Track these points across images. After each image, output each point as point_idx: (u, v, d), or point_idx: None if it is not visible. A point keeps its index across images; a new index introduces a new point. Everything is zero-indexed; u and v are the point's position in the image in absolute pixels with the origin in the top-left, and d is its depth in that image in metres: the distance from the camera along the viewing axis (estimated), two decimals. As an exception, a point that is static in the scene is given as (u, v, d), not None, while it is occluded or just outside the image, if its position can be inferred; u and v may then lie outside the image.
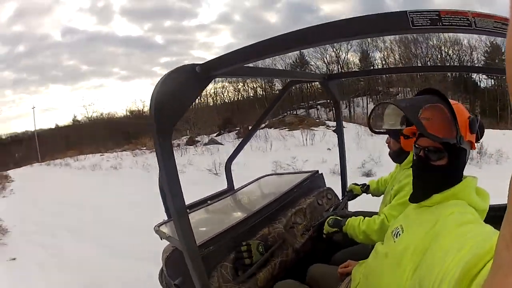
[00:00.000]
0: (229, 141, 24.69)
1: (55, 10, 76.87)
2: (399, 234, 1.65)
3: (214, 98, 48.72)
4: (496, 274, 0.50)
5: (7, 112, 72.59)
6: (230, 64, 1.58)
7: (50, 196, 13.47)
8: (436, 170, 1.60)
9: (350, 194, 3.53)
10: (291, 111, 39.21)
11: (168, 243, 2.82)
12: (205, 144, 23.72)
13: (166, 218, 3.29)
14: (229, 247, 2.62)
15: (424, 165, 1.64)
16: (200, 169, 14.43)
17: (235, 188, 4.24)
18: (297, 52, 42.11)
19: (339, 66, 41.20)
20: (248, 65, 2.01)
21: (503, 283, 0.47)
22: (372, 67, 37.68)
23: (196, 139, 25.61)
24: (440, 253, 1.22)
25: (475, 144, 1.65)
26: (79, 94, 79.09)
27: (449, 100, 1.59)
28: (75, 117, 55.23)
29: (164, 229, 2.98)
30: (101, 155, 26.92)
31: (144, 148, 24.99)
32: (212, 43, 63.07)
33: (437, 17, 1.13)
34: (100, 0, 72.07)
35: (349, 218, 2.66)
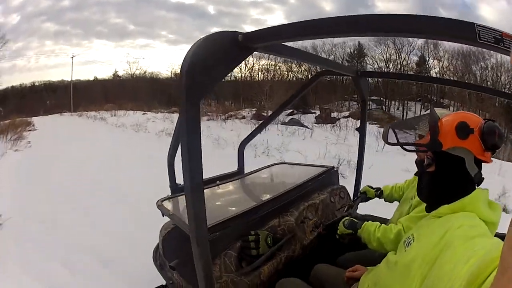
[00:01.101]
0: (309, 125, 22.50)
1: None
2: (410, 244, 1.65)
3: (287, 74, 48.09)
4: (501, 278, 0.53)
5: (45, 61, 73.35)
6: (276, 38, 1.52)
7: (71, 157, 12.01)
8: (428, 176, 1.68)
9: (363, 196, 3.48)
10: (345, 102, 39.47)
11: (168, 219, 2.78)
12: (284, 124, 20.91)
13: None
14: (236, 235, 2.53)
15: (421, 172, 1.76)
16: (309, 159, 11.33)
17: (245, 172, 4.26)
18: (356, 43, 42.14)
19: (396, 64, 40.95)
20: (288, 44, 1.99)
21: (507, 287, 0.50)
22: (425, 74, 37.46)
23: (263, 114, 23.84)
24: (449, 265, 1.24)
25: (487, 152, 1.60)
26: (123, 51, 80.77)
27: (459, 111, 1.74)
28: (116, 72, 55.64)
29: (168, 205, 2.92)
30: (143, 113, 26.40)
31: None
32: (265, 21, 62.35)
33: (500, 37, 1.12)
34: None
35: (365, 222, 2.61)
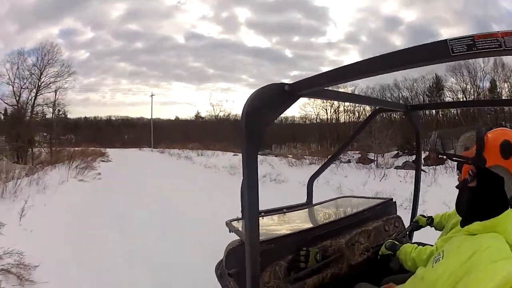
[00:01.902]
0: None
1: (176, 15, 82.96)
2: (439, 260, 1.69)
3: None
4: None
5: (121, 98, 76.60)
6: (315, 85, 1.81)
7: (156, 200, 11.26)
8: (468, 191, 1.72)
9: (414, 224, 3.68)
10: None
11: (234, 239, 3.08)
12: (398, 167, 18.76)
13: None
14: (289, 249, 2.85)
15: (463, 186, 1.79)
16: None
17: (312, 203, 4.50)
18: (435, 77, 41.33)
19: (472, 93, 39.58)
20: (334, 89, 2.27)
21: None
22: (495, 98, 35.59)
23: (369, 157, 22.79)
24: (473, 286, 1.31)
25: None
26: (204, 94, 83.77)
27: (504, 128, 1.74)
28: (198, 113, 57.30)
29: (235, 224, 3.30)
30: (234, 155, 25.42)
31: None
32: (342, 62, 62.14)
33: (471, 42, 1.20)
34: (224, 11, 76.14)
35: (404, 245, 2.80)
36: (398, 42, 54.17)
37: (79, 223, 8.48)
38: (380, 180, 14.45)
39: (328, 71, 1.69)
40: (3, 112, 32.02)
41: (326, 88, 2.18)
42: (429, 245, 2.95)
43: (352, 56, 57.60)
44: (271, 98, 1.82)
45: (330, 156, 4.63)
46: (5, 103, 30.59)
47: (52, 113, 33.67)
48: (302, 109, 48.99)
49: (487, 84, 38.25)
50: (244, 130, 1.77)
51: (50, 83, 32.13)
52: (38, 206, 9.10)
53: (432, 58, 1.30)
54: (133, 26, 71.83)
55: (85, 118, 53.32)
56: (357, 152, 26.26)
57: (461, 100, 29.29)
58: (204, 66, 76.01)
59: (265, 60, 78.61)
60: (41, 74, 31.69)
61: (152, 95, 50.45)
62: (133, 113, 68.45)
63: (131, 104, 74.41)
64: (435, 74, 40.58)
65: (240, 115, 1.81)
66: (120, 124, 56.10)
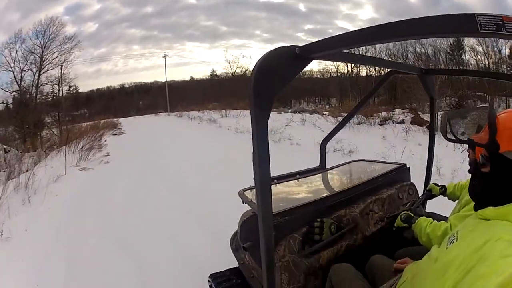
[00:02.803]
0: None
1: None
2: (453, 242, 1.66)
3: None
4: None
5: (134, 64, 77.20)
6: (328, 48, 1.72)
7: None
8: (482, 176, 1.63)
9: (428, 193, 3.59)
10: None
11: (248, 208, 3.11)
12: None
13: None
14: (303, 221, 2.84)
15: (475, 171, 1.73)
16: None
17: (326, 168, 4.50)
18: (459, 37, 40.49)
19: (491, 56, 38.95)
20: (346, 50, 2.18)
21: None
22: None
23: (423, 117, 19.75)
24: (482, 280, 1.27)
25: None
26: (218, 52, 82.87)
27: (510, 109, 1.65)
28: (213, 71, 55.77)
29: (248, 194, 3.27)
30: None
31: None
32: (356, 16, 60.71)
33: (501, 22, 1.17)
34: None
35: (420, 218, 2.77)
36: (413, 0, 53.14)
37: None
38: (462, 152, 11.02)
39: (342, 34, 1.62)
40: (11, 102, 30.17)
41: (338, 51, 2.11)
42: (443, 217, 2.99)
43: (366, 11, 57.35)
44: (282, 62, 1.76)
45: (343, 118, 4.59)
46: (5, 91, 28.96)
47: (59, 90, 32.46)
48: (322, 62, 48.28)
49: (506, 51, 37.57)
50: (252, 96, 1.73)
51: (53, 59, 30.76)
52: (16, 235, 6.14)
53: (458, 31, 1.29)
54: None
55: (98, 89, 52.64)
56: (406, 110, 24.12)
57: (479, 68, 29.96)
58: (216, 24, 74.37)
59: (279, 14, 76.88)
60: (43, 51, 30.21)
61: (165, 56, 49.16)
62: (147, 77, 68.79)
63: (145, 69, 74.88)
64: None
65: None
66: (134, 91, 55.42)
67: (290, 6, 68.02)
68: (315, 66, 51.19)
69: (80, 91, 45.80)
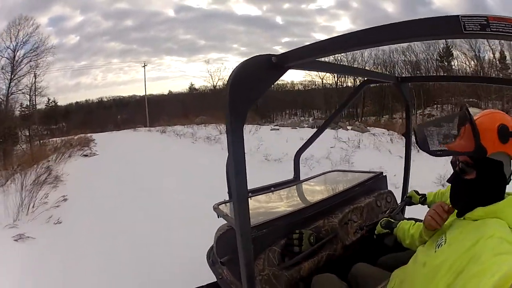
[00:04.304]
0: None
1: None
2: (441, 245, 1.67)
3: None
4: None
5: (113, 78, 75.21)
6: (304, 56, 1.69)
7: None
8: (466, 184, 1.64)
9: (408, 200, 3.56)
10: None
11: (223, 223, 3.05)
12: None
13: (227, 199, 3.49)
14: (281, 233, 2.80)
15: (457, 180, 1.70)
16: None
17: (300, 179, 4.47)
18: (445, 43, 40.60)
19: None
20: (322, 60, 2.21)
21: None
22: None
23: None
24: (476, 279, 1.28)
25: None
26: (196, 66, 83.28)
27: (489, 110, 1.67)
28: (192, 84, 54.72)
29: (223, 208, 3.22)
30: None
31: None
32: (333, 28, 61.10)
33: (485, 22, 1.17)
34: None
35: (401, 221, 2.72)
36: (390, 8, 54.33)
37: None
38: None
39: (320, 41, 1.60)
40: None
41: (315, 59, 2.07)
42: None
43: (343, 22, 57.84)
44: (258, 71, 1.73)
45: (316, 129, 4.56)
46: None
47: (29, 100, 30.09)
48: (307, 74, 47.89)
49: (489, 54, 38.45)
50: (228, 105, 1.70)
51: (26, 63, 28.48)
52: None
53: (442, 33, 1.27)
54: (122, 4, 70.22)
55: (76, 103, 51.87)
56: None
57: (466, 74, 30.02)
58: (195, 38, 74.46)
59: (257, 28, 77.59)
60: (15, 54, 28.02)
61: (144, 65, 48.12)
62: (125, 91, 68.48)
63: (123, 83, 73.95)
64: (445, 41, 40.57)
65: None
66: (112, 105, 54.73)
67: (268, 19, 68.82)
68: (298, 77, 51.54)
69: (59, 104, 45.40)
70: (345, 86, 45.70)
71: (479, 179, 1.61)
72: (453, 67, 39.91)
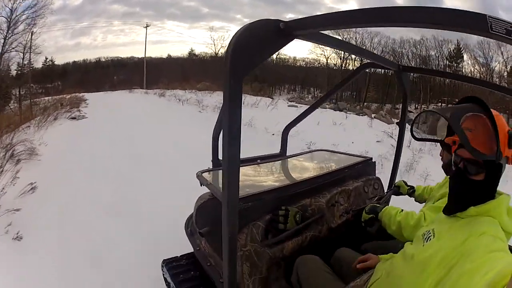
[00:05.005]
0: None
1: None
2: (430, 239, 1.68)
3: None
4: None
5: (113, 39, 74.52)
6: (315, 26, 1.65)
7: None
8: (473, 185, 1.59)
9: (395, 189, 3.56)
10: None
11: (205, 191, 2.96)
12: None
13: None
14: (267, 208, 2.71)
15: (462, 179, 1.63)
16: None
17: (287, 155, 4.43)
18: (457, 44, 40.85)
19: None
20: (331, 35, 2.10)
21: None
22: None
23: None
24: (466, 277, 1.29)
25: None
26: (197, 33, 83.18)
27: (494, 112, 1.60)
28: (192, 50, 55.13)
29: (207, 176, 3.11)
30: (269, 98, 21.48)
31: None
32: (339, 9, 62.65)
33: (511, 29, 1.18)
34: None
35: (387, 206, 2.71)
36: None
37: None
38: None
39: (334, 12, 1.54)
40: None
41: (322, 32, 2.03)
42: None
43: (350, 6, 57.31)
44: (263, 36, 1.66)
45: (310, 105, 4.54)
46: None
47: (22, 59, 28.41)
48: (312, 51, 48.08)
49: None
50: (228, 69, 1.61)
51: (23, 21, 26.49)
52: None
53: (467, 27, 1.24)
54: None
55: (74, 62, 51.41)
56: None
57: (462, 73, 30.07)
58: (199, 5, 72.37)
59: (262, 1, 75.86)
60: (12, 12, 25.74)
61: (146, 26, 47.51)
62: (124, 53, 67.71)
63: (123, 45, 73.27)
64: (457, 40, 40.40)
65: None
66: (110, 65, 54.38)
67: None
68: (301, 53, 51.13)
69: (56, 63, 45.09)
70: (350, 68, 45.47)
71: (486, 181, 1.59)
72: (460, 70, 40.31)
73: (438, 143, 2.73)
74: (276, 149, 4.44)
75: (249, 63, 1.66)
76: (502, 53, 36.85)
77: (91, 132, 11.09)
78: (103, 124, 12.17)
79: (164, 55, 56.18)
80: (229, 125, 1.67)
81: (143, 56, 48.41)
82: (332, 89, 4.29)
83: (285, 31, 1.67)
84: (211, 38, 57.44)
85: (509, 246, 1.51)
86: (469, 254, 1.38)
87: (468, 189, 1.61)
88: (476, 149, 1.46)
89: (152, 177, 7.22)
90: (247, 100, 18.95)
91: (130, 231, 5.10)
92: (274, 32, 1.67)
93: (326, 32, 2.06)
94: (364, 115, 21.44)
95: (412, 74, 3.97)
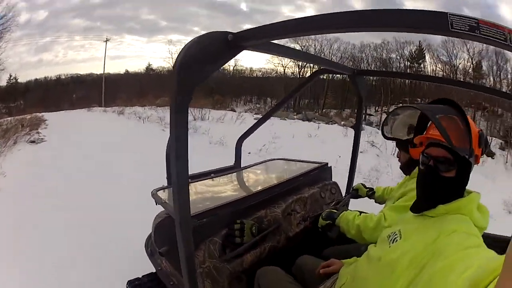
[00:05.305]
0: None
1: None
2: (396, 240, 1.67)
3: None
4: (507, 276, 0.57)
5: (73, 55, 74.74)
6: (262, 37, 1.64)
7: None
8: (444, 181, 1.60)
9: (354, 193, 3.59)
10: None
11: (162, 209, 2.92)
12: None
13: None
14: (222, 223, 2.68)
15: (433, 176, 1.63)
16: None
17: (241, 166, 4.40)
18: (419, 45, 41.32)
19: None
20: (279, 43, 2.13)
21: None
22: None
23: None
24: (441, 275, 1.26)
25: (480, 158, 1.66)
26: (155, 47, 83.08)
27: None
28: (149, 64, 53.80)
29: (161, 194, 3.08)
30: (231, 111, 21.09)
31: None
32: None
33: (475, 25, 1.17)
34: None
35: (344, 211, 2.70)
36: (357, 4, 54.91)
37: None
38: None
39: (279, 22, 1.55)
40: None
41: (272, 41, 2.01)
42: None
43: (307, 14, 58.44)
44: (211, 48, 1.66)
45: (262, 115, 4.53)
46: None
47: None
48: (269, 60, 48.17)
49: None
50: (176, 82, 1.61)
51: None
52: None
53: (427, 27, 1.24)
54: None
55: (36, 79, 50.57)
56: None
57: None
58: (157, 18, 73.34)
59: (220, 12, 77.12)
60: None
61: (106, 40, 46.77)
62: (84, 69, 67.31)
63: (82, 61, 72.02)
64: (419, 42, 41.04)
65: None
66: (69, 82, 53.46)
67: (233, 5, 68.19)
68: (258, 64, 51.44)
69: (20, 81, 44.73)
70: (308, 76, 46.29)
71: (458, 178, 1.61)
72: (422, 70, 41.14)
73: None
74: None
75: (198, 76, 1.66)
76: (468, 50, 37.91)
77: (50, 158, 10.07)
78: (62, 149, 11.10)
79: (122, 71, 55.63)
80: (176, 140, 1.67)
81: (102, 72, 47.71)
82: (285, 96, 4.27)
83: (233, 43, 1.67)
84: (169, 51, 56.77)
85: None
86: (440, 253, 1.38)
87: (439, 186, 1.63)
88: (451, 140, 1.48)
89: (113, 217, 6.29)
90: (212, 114, 18.76)
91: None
92: (223, 44, 1.67)
93: (279, 41, 2.06)
94: (334, 123, 21.44)
95: (373, 77, 4.03)
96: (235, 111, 25.23)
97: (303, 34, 1.62)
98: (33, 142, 12.05)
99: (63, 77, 53.42)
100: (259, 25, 1.66)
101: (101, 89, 43.41)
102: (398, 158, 2.88)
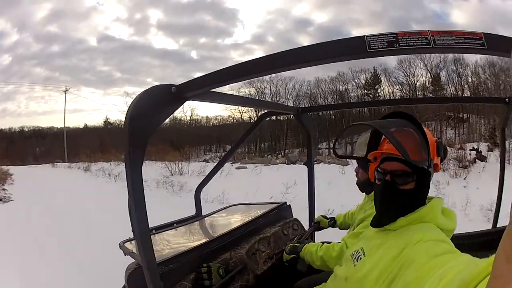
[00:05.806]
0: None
1: (93, 16, 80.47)
2: (360, 258, 1.67)
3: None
4: (495, 284, 0.55)
5: (35, 107, 74.52)
6: (204, 86, 1.70)
7: None
8: (404, 194, 1.60)
9: (316, 225, 3.69)
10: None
11: (132, 261, 2.87)
12: None
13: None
14: (189, 268, 2.69)
15: (391, 190, 1.62)
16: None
17: (203, 215, 4.40)
18: (373, 70, 42.49)
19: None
20: (222, 90, 2.19)
21: None
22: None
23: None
24: (416, 284, 1.25)
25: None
26: (111, 99, 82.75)
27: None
28: (107, 118, 54.46)
29: (129, 245, 3.08)
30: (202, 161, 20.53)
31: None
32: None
33: (394, 39, 1.21)
34: (138, 12, 74.26)
35: (306, 244, 2.75)
36: (305, 42, 56.17)
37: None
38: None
39: (218, 70, 1.61)
40: None
41: (215, 90, 2.05)
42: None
43: (257, 56, 60.06)
44: (158, 101, 1.70)
45: (216, 163, 4.58)
46: None
47: None
48: (225, 108, 48.69)
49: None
50: (128, 135, 1.63)
51: None
52: None
53: (347, 53, 1.28)
54: (53, 28, 69.78)
55: (1, 130, 51.53)
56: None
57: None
58: (112, 70, 76.51)
59: (171, 62, 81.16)
60: None
61: (66, 90, 46.72)
62: (45, 122, 66.74)
63: (43, 113, 72.01)
64: (373, 68, 42.33)
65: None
66: (32, 135, 53.59)
67: (184, 54, 72.19)
68: (214, 112, 52.28)
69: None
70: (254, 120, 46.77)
71: (417, 189, 1.61)
72: (379, 95, 42.63)
73: None
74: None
75: (148, 127, 1.70)
76: (426, 65, 39.54)
77: (18, 220, 9.70)
78: (31, 210, 10.63)
79: (81, 125, 56.17)
80: (133, 193, 1.67)
81: (63, 126, 47.46)
82: (236, 143, 4.48)
83: (177, 94, 1.73)
84: (126, 104, 57.46)
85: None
86: (410, 264, 1.36)
87: (398, 199, 1.61)
88: (407, 152, 1.46)
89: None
90: (191, 167, 19.33)
91: None
92: (168, 96, 1.72)
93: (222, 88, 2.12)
94: (320, 162, 21.52)
95: (329, 112, 4.15)
96: (208, 162, 25.09)
97: (242, 79, 1.65)
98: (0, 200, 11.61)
99: (26, 129, 54.11)
100: (208, 72, 1.70)
101: (63, 144, 43.00)
102: (356, 173, 2.99)
